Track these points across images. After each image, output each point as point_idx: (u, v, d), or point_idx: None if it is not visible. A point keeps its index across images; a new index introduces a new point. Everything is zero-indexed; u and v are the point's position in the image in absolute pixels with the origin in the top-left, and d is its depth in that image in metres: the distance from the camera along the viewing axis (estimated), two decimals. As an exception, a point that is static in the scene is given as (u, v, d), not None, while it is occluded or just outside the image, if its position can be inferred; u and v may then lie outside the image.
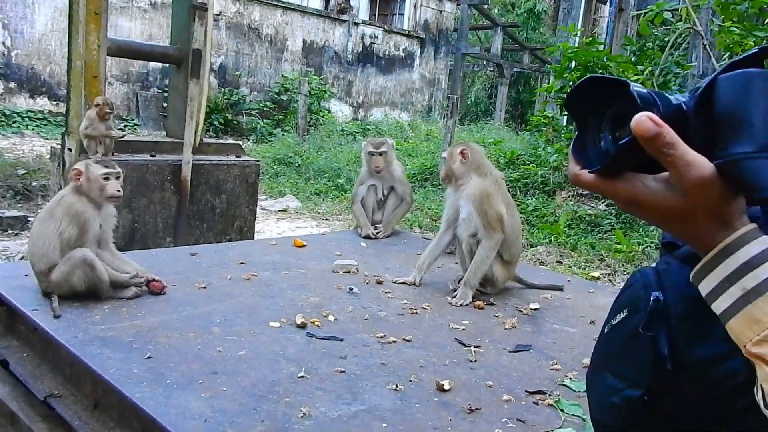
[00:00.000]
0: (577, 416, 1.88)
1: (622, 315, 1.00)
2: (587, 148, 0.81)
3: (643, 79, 8.56)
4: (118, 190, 2.49)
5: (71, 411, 2.00)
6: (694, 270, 0.75)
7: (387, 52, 19.47)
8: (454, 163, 3.05)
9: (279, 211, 8.45)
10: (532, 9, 21.00)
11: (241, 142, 8.07)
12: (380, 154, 4.10)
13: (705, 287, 0.73)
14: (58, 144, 4.86)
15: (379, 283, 3.08)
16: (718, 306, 0.71)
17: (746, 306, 0.68)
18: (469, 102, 21.59)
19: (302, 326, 2.38)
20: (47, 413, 2.08)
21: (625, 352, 0.98)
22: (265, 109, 15.82)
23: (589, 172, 0.79)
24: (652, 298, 0.93)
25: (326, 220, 8.23)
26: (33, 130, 12.20)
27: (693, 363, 0.87)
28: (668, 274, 0.95)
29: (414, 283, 3.10)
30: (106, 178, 2.47)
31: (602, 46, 11.25)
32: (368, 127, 16.79)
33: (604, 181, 0.77)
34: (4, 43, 12.75)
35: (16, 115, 12.40)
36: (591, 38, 12.05)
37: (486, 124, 16.49)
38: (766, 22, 7.50)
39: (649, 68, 8.74)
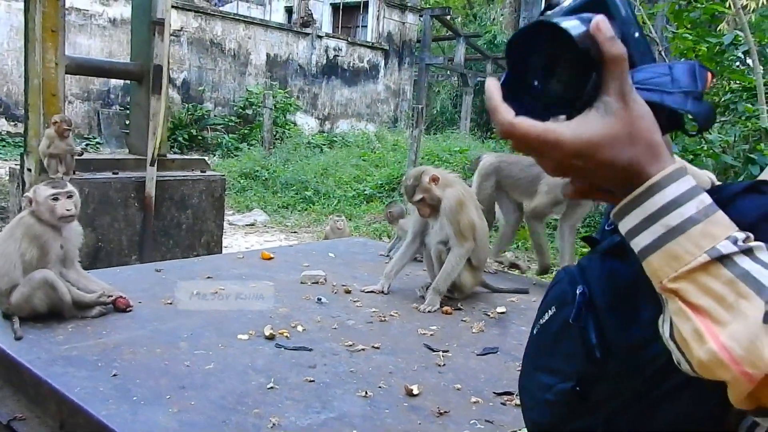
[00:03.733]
0: (544, 414, 1.91)
1: (551, 312, 1.02)
2: (523, 97, 0.72)
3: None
4: (68, 209, 2.44)
5: (36, 433, 1.97)
6: (616, 207, 0.73)
7: (351, 64, 19.57)
8: (431, 192, 3.00)
9: (247, 225, 8.40)
10: (491, 41, 21.32)
11: (206, 158, 8.00)
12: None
13: (627, 224, 0.72)
14: (17, 165, 4.77)
15: (347, 292, 3.09)
16: (639, 242, 0.71)
17: (667, 243, 0.68)
18: (434, 111, 21.78)
19: (271, 337, 2.38)
20: (11, 437, 2.04)
21: (555, 347, 1.00)
22: (230, 123, 15.73)
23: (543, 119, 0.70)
24: (578, 291, 0.95)
25: (294, 233, 8.21)
26: (-9, 151, 11.93)
27: (620, 349, 0.89)
28: (591, 268, 0.98)
29: (382, 291, 3.12)
30: (55, 199, 2.43)
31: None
32: (335, 139, 16.82)
33: (549, 127, 0.70)
34: (-42, 63, 12.48)
35: (-27, 137, 12.12)
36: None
37: (452, 132, 16.66)
38: (718, 28, 7.77)
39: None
